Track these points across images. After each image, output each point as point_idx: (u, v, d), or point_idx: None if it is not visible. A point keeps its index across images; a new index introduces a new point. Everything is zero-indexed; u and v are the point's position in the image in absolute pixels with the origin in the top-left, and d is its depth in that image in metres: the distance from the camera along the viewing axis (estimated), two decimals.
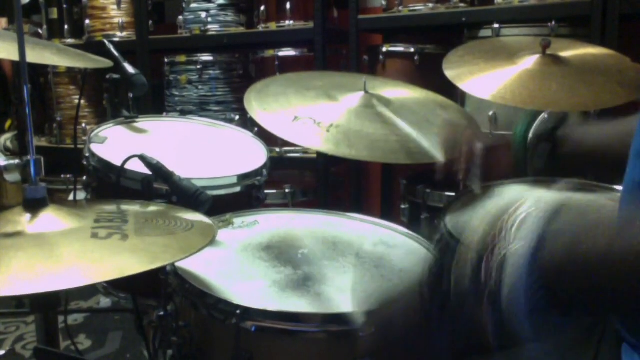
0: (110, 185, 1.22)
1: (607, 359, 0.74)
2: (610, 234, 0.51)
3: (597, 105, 1.30)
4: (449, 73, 1.44)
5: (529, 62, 1.40)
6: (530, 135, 1.07)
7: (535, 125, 1.07)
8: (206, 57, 2.55)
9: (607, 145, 0.98)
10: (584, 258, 0.51)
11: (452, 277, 0.58)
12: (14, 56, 0.87)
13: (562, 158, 1.05)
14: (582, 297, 0.53)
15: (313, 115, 1.22)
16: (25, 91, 0.83)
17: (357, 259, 1.06)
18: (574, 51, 1.47)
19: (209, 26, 2.54)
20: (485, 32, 1.97)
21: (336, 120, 1.21)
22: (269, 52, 2.45)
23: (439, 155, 1.12)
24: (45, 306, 1.00)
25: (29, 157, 0.83)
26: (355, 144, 1.16)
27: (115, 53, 1.48)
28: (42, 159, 0.84)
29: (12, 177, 0.86)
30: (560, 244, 0.52)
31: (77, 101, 2.86)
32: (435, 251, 0.64)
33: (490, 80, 1.36)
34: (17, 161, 0.87)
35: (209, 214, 1.00)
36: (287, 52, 2.43)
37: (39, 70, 2.97)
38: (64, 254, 0.73)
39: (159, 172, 1.12)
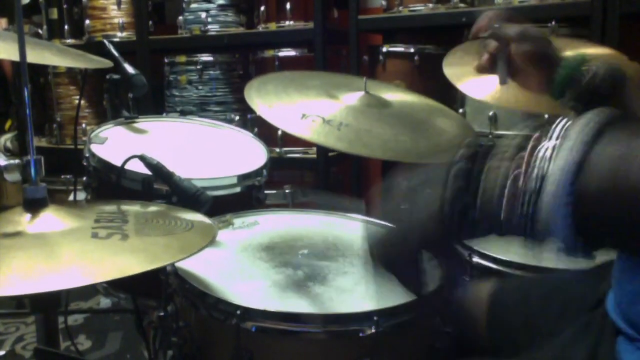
0: (111, 185, 1.22)
1: (604, 352, 0.73)
2: None
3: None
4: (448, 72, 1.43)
5: None
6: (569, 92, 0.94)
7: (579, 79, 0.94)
8: (206, 58, 2.55)
9: None
10: (627, 187, 0.46)
11: (481, 186, 0.54)
12: (14, 56, 0.87)
13: None
14: (616, 229, 0.49)
15: (320, 113, 1.20)
16: (26, 91, 0.83)
17: (358, 259, 1.06)
18: (574, 51, 1.47)
19: (209, 26, 2.54)
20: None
21: (344, 120, 1.20)
22: (269, 52, 2.46)
23: None
24: (45, 306, 1.00)
25: (29, 157, 0.83)
26: (368, 143, 1.14)
27: (115, 53, 1.48)
28: (42, 159, 0.84)
29: (13, 177, 0.86)
30: (603, 169, 0.47)
31: (77, 101, 2.86)
32: (464, 155, 0.58)
33: (490, 81, 1.35)
34: (17, 161, 0.87)
35: (209, 214, 1.00)
36: (287, 52, 2.43)
37: (39, 71, 2.97)
38: (64, 254, 0.73)
39: (159, 172, 1.12)
